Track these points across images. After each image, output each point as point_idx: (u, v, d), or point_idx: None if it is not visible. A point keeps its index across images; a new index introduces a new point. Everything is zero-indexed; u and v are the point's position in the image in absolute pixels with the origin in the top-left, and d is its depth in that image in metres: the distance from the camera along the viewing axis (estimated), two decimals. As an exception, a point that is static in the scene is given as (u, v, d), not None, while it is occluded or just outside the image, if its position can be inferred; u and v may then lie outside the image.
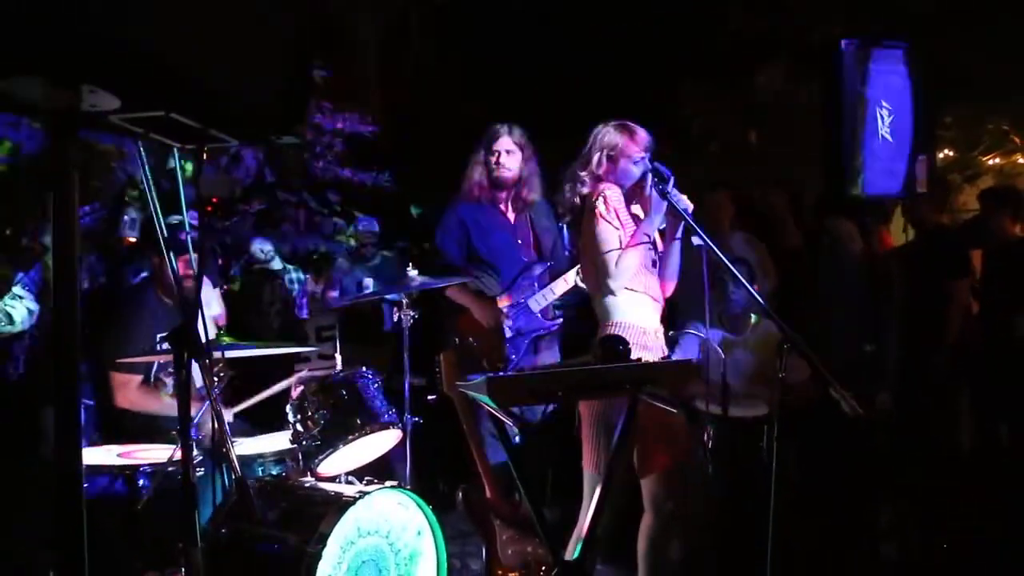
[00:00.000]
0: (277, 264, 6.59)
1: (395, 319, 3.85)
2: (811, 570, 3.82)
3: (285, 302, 6.42)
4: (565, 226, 4.63)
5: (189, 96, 1.37)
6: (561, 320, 4.16)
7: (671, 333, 3.49)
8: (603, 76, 7.25)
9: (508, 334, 3.97)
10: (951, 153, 7.54)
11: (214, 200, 6.28)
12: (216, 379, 3.01)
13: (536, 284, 4.05)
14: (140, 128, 1.42)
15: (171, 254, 2.19)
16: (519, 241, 4.13)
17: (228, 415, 3.82)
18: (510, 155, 4.08)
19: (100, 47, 1.24)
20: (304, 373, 3.89)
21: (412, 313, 3.80)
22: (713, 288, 4.07)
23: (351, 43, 8.23)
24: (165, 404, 3.80)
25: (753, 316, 4.15)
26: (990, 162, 7.55)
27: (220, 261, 7.01)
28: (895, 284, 4.98)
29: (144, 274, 4.86)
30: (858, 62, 4.36)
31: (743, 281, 3.34)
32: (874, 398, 4.55)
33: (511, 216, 4.17)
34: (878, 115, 4.42)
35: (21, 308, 3.06)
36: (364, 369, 3.54)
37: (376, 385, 3.51)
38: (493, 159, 4.07)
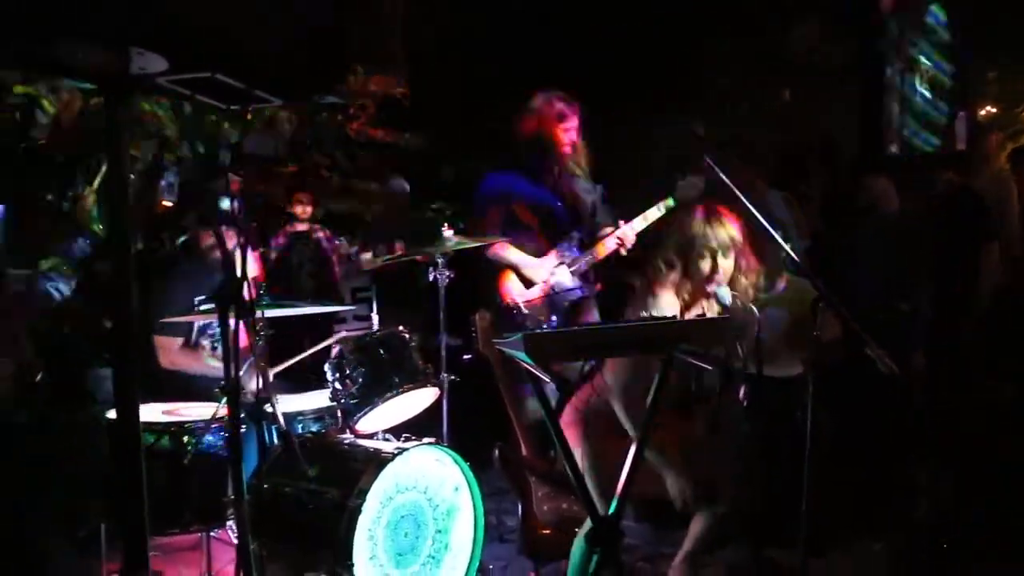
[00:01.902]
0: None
1: (431, 279, 3.90)
2: (846, 527, 3.84)
3: (318, 263, 6.45)
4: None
5: (233, 57, 1.39)
6: (598, 286, 4.19)
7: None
8: (629, 35, 7.15)
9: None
10: (993, 109, 7.38)
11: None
12: (258, 338, 3.08)
13: (573, 249, 4.11)
14: (187, 89, 1.45)
15: (213, 218, 2.23)
16: (559, 204, 4.17)
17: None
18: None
19: (146, 10, 1.26)
20: (343, 334, 3.94)
21: (448, 273, 3.85)
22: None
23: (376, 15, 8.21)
24: (205, 365, 3.90)
25: (786, 274, 4.13)
26: (1034, 118, 7.36)
27: (256, 224, 7.07)
28: (930, 243, 4.93)
29: (183, 238, 4.95)
30: (897, 17, 4.29)
31: (780, 242, 3.33)
32: (909, 359, 4.53)
33: (553, 182, 4.19)
34: (916, 70, 4.35)
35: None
36: (400, 328, 3.59)
37: (412, 344, 3.56)
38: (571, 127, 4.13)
